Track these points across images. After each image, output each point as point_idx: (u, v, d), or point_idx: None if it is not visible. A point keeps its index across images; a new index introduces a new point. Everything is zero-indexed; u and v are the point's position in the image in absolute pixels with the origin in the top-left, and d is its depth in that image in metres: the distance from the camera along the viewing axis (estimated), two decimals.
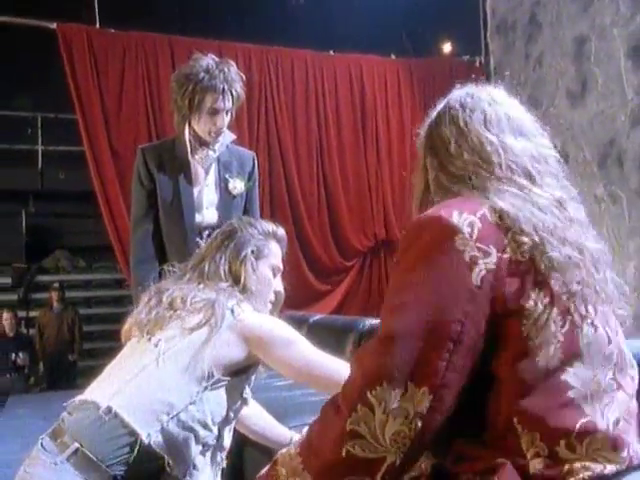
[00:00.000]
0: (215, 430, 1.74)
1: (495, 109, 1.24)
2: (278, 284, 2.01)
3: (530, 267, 1.09)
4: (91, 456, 1.57)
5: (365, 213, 6.56)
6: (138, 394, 1.66)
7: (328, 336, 3.02)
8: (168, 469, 1.64)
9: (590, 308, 1.12)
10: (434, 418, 1.05)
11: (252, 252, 1.94)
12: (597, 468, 1.04)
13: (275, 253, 2.00)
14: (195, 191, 2.86)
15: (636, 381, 1.19)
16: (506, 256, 1.08)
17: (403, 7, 7.35)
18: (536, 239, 1.09)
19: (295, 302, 5.43)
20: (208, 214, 2.86)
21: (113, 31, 5.76)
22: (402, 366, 1.05)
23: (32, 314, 9.01)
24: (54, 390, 7.02)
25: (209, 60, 2.74)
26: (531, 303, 1.07)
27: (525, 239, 1.09)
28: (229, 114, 2.79)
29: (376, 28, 7.77)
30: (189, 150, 2.83)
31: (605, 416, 1.08)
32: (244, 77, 2.86)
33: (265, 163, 6.11)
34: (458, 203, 1.13)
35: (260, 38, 6.35)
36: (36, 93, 9.28)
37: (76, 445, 1.58)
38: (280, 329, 1.80)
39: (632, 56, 5.05)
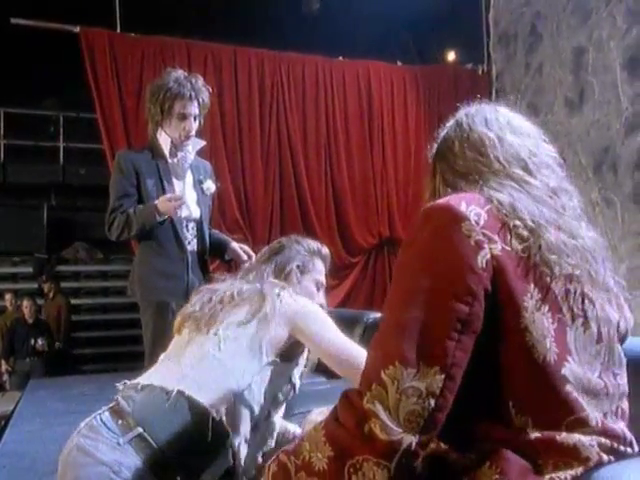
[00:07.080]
0: (265, 410, 1.82)
1: (496, 115, 1.30)
2: (321, 298, 2.08)
3: (529, 262, 1.10)
4: (152, 442, 1.59)
5: (370, 213, 6.63)
6: (205, 377, 1.73)
7: None
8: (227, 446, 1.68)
9: (585, 301, 1.14)
10: (446, 397, 1.05)
11: (297, 267, 2.02)
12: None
13: (319, 269, 2.09)
14: (177, 188, 3.04)
15: (621, 379, 1.21)
16: (509, 248, 1.10)
17: (410, 16, 7.45)
18: (533, 226, 1.12)
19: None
20: (192, 208, 3.06)
21: (133, 35, 5.86)
22: (413, 346, 1.04)
23: None
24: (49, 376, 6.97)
25: (179, 73, 3.00)
26: (528, 296, 1.09)
27: (523, 230, 1.11)
28: (197, 120, 3.03)
29: (384, 36, 7.89)
30: (167, 151, 3.03)
31: (594, 413, 1.11)
32: (210, 89, 3.10)
33: (276, 164, 6.26)
34: (465, 196, 1.15)
35: (273, 44, 6.44)
36: (59, 93, 9.52)
37: (139, 430, 1.60)
38: (317, 312, 1.86)
39: (627, 67, 5.16)
